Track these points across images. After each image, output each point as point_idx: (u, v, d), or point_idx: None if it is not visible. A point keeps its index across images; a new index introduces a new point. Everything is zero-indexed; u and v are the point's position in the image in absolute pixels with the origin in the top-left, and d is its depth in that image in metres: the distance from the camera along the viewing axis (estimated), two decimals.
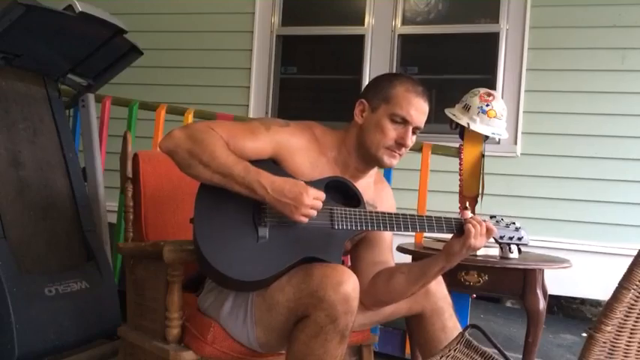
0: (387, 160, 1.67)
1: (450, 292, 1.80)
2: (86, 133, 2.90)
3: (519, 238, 1.70)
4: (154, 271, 1.81)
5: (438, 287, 1.76)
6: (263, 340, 1.63)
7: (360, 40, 4.24)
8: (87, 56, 2.59)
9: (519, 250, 1.71)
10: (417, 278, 1.69)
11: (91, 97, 2.89)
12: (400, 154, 1.68)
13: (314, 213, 1.52)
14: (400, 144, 1.65)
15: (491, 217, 1.70)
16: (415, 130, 1.67)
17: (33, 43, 2.37)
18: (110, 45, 2.57)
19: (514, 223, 1.71)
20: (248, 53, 4.39)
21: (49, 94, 2.56)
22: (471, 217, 1.62)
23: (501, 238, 1.69)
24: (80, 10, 2.32)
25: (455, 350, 1.39)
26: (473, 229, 1.58)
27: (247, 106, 4.37)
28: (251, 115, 4.29)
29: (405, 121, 1.64)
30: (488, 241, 1.66)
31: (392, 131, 1.64)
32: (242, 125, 1.66)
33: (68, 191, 2.50)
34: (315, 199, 1.51)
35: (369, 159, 1.70)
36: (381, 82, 1.70)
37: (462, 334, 1.42)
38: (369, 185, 1.78)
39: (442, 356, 1.38)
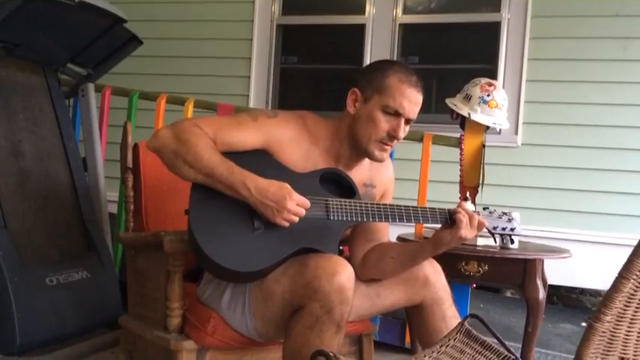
0: (377, 154, 1.67)
1: (449, 282, 1.80)
2: (86, 123, 2.90)
3: (512, 229, 1.70)
4: (155, 261, 1.82)
5: (438, 277, 1.76)
6: (262, 330, 1.63)
7: (360, 29, 4.21)
8: (86, 46, 2.59)
9: (512, 241, 1.71)
10: (404, 264, 1.73)
11: (90, 86, 2.88)
12: (391, 146, 1.68)
13: (295, 219, 1.52)
14: (392, 136, 1.64)
15: (484, 208, 1.70)
16: (408, 121, 1.65)
17: (32, 33, 2.36)
18: (110, 34, 2.56)
19: (507, 214, 1.71)
20: (248, 42, 4.37)
21: (48, 83, 2.56)
22: (462, 208, 1.61)
23: (494, 229, 1.69)
24: None
25: (455, 340, 1.39)
26: (464, 219, 1.58)
27: (247, 95, 4.36)
28: (251, 105, 4.28)
29: (397, 114, 1.62)
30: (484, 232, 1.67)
31: (384, 123, 1.63)
32: (229, 119, 1.68)
33: (68, 181, 2.50)
34: (298, 205, 1.52)
35: (359, 150, 1.69)
36: (375, 70, 1.67)
37: (461, 324, 1.42)
38: (363, 164, 1.76)
39: (442, 345, 1.38)
